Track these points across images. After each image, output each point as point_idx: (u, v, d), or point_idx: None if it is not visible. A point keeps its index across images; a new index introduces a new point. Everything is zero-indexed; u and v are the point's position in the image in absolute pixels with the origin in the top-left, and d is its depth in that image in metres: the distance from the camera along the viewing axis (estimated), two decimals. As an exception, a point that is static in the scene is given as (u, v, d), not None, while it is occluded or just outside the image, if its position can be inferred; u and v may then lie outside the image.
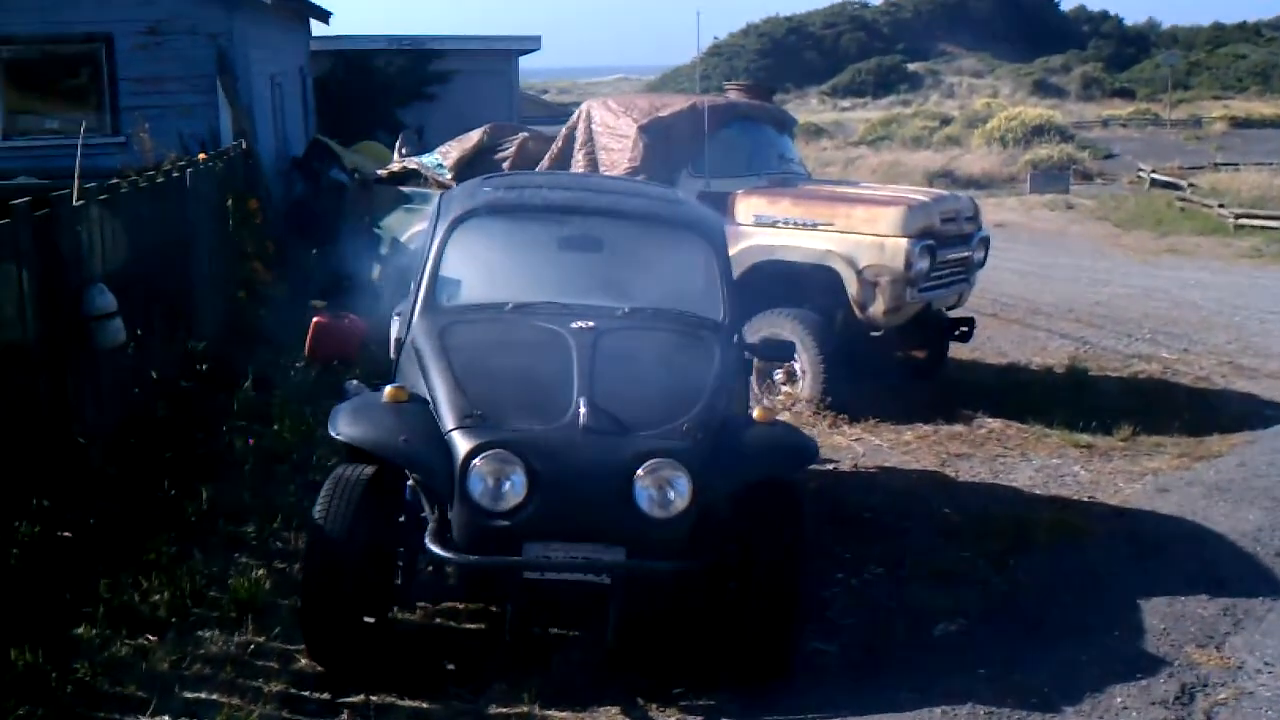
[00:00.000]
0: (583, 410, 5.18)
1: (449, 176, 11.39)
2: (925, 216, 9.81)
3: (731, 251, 10.09)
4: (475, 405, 5.23)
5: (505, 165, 11.33)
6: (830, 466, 8.58)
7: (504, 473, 5.03)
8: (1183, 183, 30.15)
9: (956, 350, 11.52)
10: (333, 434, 5.30)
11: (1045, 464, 8.87)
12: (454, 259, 6.29)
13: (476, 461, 5.03)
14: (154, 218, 8.54)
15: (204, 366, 8.76)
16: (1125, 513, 7.85)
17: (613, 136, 10.55)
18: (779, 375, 9.97)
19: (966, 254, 10.48)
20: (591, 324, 5.84)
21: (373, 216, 11.66)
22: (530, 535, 5.04)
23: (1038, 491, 8.26)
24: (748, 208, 10.16)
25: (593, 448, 5.10)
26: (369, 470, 5.31)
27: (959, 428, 9.64)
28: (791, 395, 9.75)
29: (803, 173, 11.50)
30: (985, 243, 10.83)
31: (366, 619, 5.39)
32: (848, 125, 44.58)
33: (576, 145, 10.76)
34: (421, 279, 6.23)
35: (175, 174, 8.91)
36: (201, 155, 10.22)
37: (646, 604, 5.30)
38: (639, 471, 5.04)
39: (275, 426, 8.25)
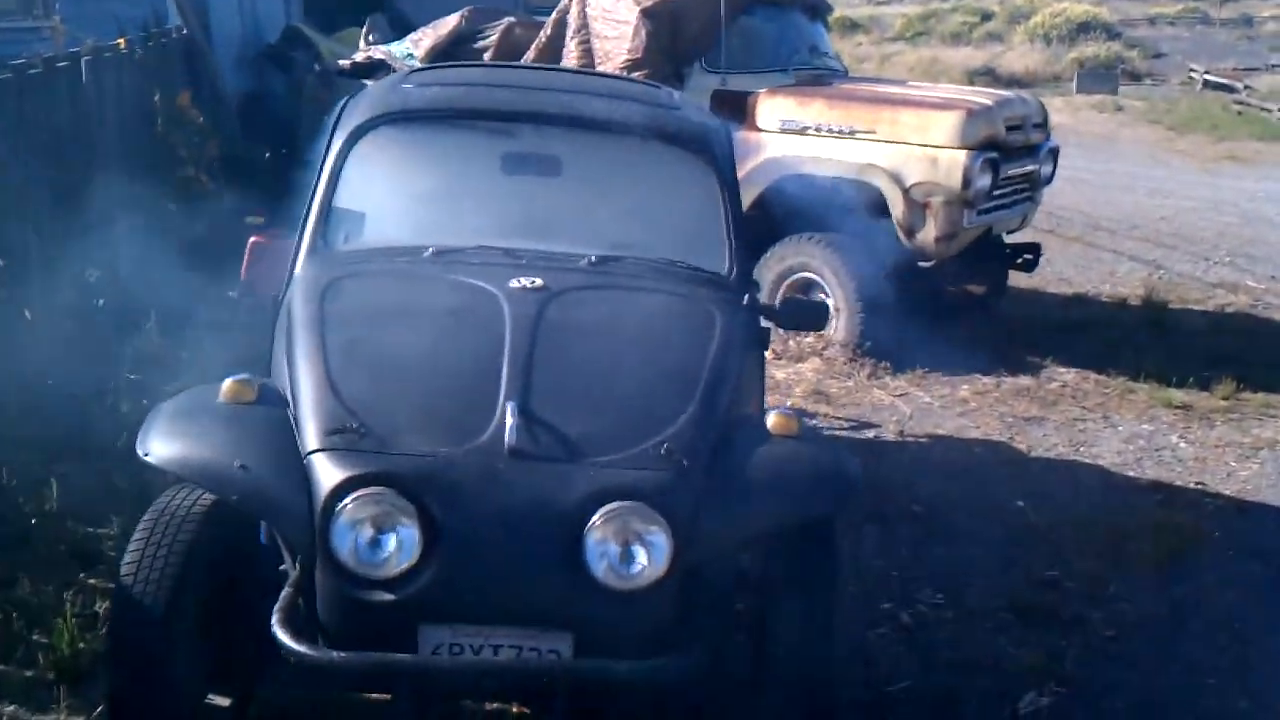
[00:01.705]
0: (511, 422, 3.37)
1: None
2: (988, 123, 7.88)
3: (751, 164, 8.32)
4: (351, 413, 3.43)
5: (486, 56, 9.40)
6: (870, 434, 6.78)
7: (388, 521, 3.25)
8: (1238, 84, 27.84)
9: (1014, 279, 9.60)
10: (140, 454, 3.50)
11: (1135, 432, 7.02)
12: (356, 184, 4.43)
13: (347, 503, 3.24)
14: (39, 118, 6.70)
15: (100, 301, 6.95)
16: (1247, 509, 6.03)
17: (609, 23, 8.61)
18: (807, 313, 8.10)
19: (1033, 168, 8.56)
20: (539, 283, 4.01)
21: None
22: (429, 615, 3.28)
23: (1130, 473, 6.44)
24: (772, 110, 8.23)
25: (524, 483, 3.30)
26: (206, 499, 3.54)
27: (1025, 380, 7.79)
28: (823, 338, 7.92)
29: (839, 68, 9.53)
30: (1054, 155, 8.91)
31: (217, 700, 3.68)
32: (883, 20, 41.87)
33: (569, 33, 8.83)
34: (309, 213, 4.39)
35: (64, 64, 7.03)
36: (121, 42, 8.31)
37: (610, 701, 3.53)
38: (594, 520, 3.26)
39: (178, 383, 6.45)
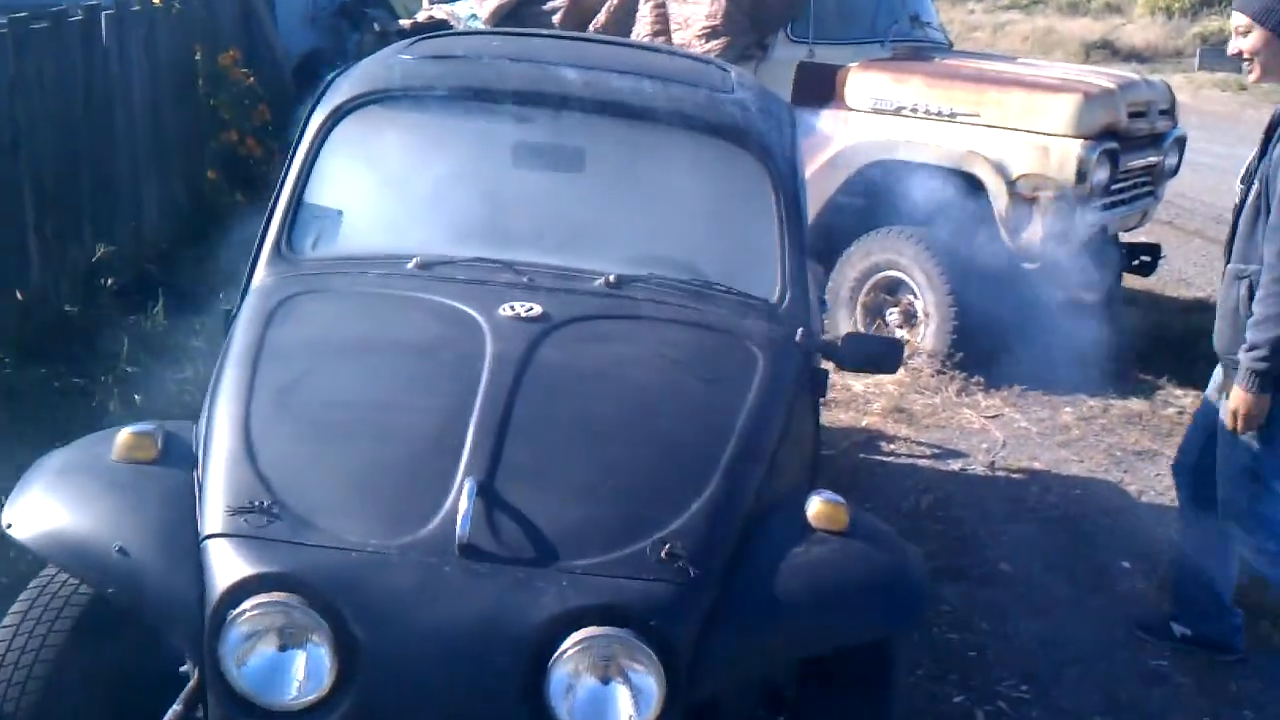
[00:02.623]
0: (466, 508, 2.55)
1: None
2: (1108, 109, 6.86)
3: (837, 148, 7.36)
4: (265, 485, 2.64)
5: (555, 20, 8.53)
6: (955, 466, 5.86)
7: (293, 637, 2.46)
8: (1375, 63, 25.99)
9: (1127, 281, 8.55)
10: (3, 525, 2.73)
11: (1264, 473, 6.01)
12: (333, 175, 3.63)
13: (243, 610, 2.45)
14: (46, 80, 5.99)
15: (108, 281, 6.24)
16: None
17: (688, -15, 7.70)
18: (893, 316, 7.20)
19: (1156, 160, 7.52)
20: (536, 310, 3.18)
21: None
22: (342, 761, 2.48)
23: (1260, 527, 5.44)
24: (863, 87, 7.28)
25: (475, 592, 2.49)
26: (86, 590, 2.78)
27: (1137, 404, 6.79)
28: (910, 345, 7.00)
29: (942, 41, 8.52)
30: (1180, 144, 7.85)
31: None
32: (998, -12, 40.26)
33: (644, -2, 7.94)
34: (274, 208, 3.59)
35: (77, 19, 6.30)
36: (158, -2, 7.58)
37: None
38: (564, 648, 2.44)
39: (187, 373, 5.74)
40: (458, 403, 2.83)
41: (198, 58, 8.06)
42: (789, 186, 3.62)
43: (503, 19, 8.62)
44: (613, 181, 3.71)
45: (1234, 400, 3.76)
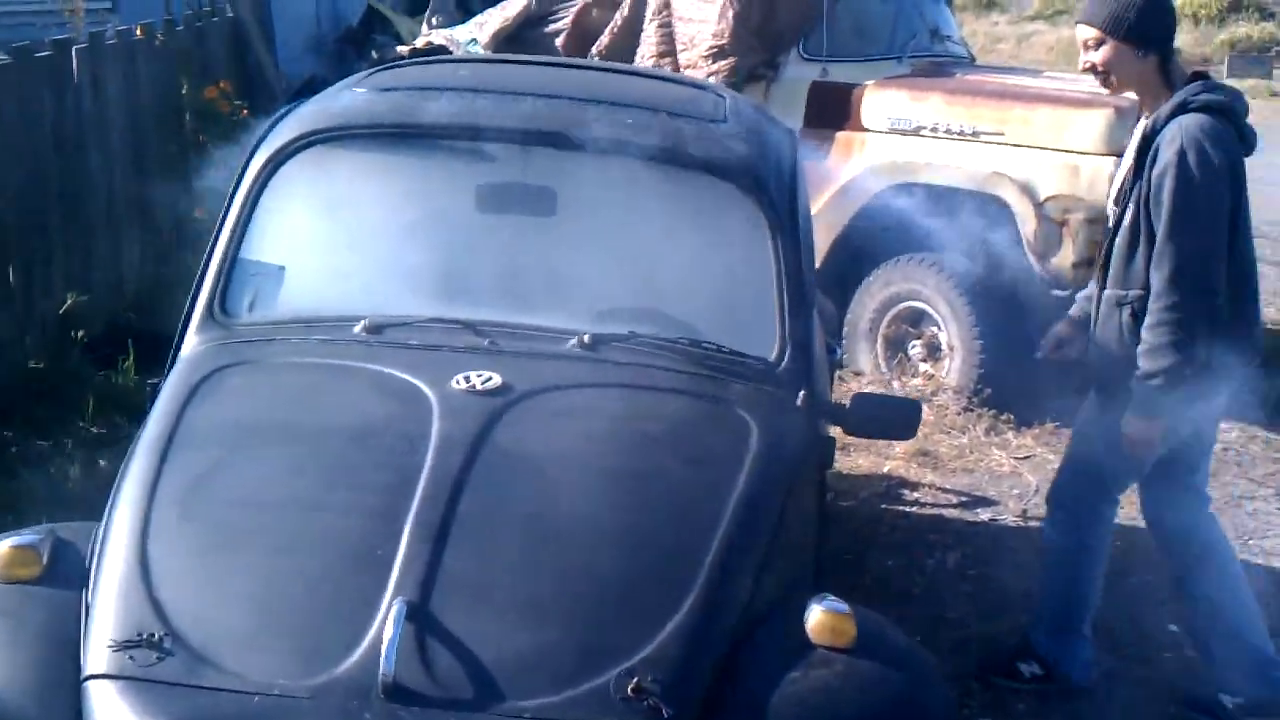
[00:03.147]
0: (391, 636, 2.11)
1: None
2: (1141, 124, 6.38)
3: (853, 171, 6.90)
4: (159, 611, 2.22)
5: (559, 42, 8.13)
6: (984, 515, 5.40)
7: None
8: (1407, 67, 25.41)
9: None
10: None
11: (1322, 517, 5.53)
12: (274, 226, 3.23)
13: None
14: (16, 118, 5.62)
15: (79, 334, 5.85)
16: None
17: (693, 2, 7.27)
18: (916, 349, 6.74)
19: (1194, 176, 7.02)
20: (494, 381, 2.77)
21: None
22: None
23: (1322, 581, 4.96)
24: (880, 106, 6.82)
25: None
26: None
27: (1179, 440, 6.29)
28: (933, 380, 6.54)
29: (964, 54, 8.06)
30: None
31: None
32: (1021, -2, 39.69)
33: (649, 14, 7.51)
34: (206, 265, 3.18)
35: (45, 54, 5.92)
36: (139, 29, 7.19)
37: None
38: None
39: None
40: (392, 502, 2.40)
41: (184, 91, 7.67)
42: (787, 226, 3.18)
43: (503, 43, 8.23)
44: (588, 226, 3.28)
45: (1130, 428, 3.60)
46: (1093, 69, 3.60)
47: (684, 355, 3.01)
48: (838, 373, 6.93)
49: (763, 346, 3.07)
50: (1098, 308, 3.76)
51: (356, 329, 3.01)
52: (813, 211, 6.93)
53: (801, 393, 3.01)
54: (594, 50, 7.67)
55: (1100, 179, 6.19)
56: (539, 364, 2.89)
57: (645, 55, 7.46)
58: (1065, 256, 6.32)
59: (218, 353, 2.98)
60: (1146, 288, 3.51)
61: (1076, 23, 3.68)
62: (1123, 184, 3.64)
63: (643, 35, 7.52)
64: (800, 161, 3.66)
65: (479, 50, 8.31)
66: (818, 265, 7.05)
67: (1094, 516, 4.03)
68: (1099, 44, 3.55)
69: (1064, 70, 9.76)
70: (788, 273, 3.12)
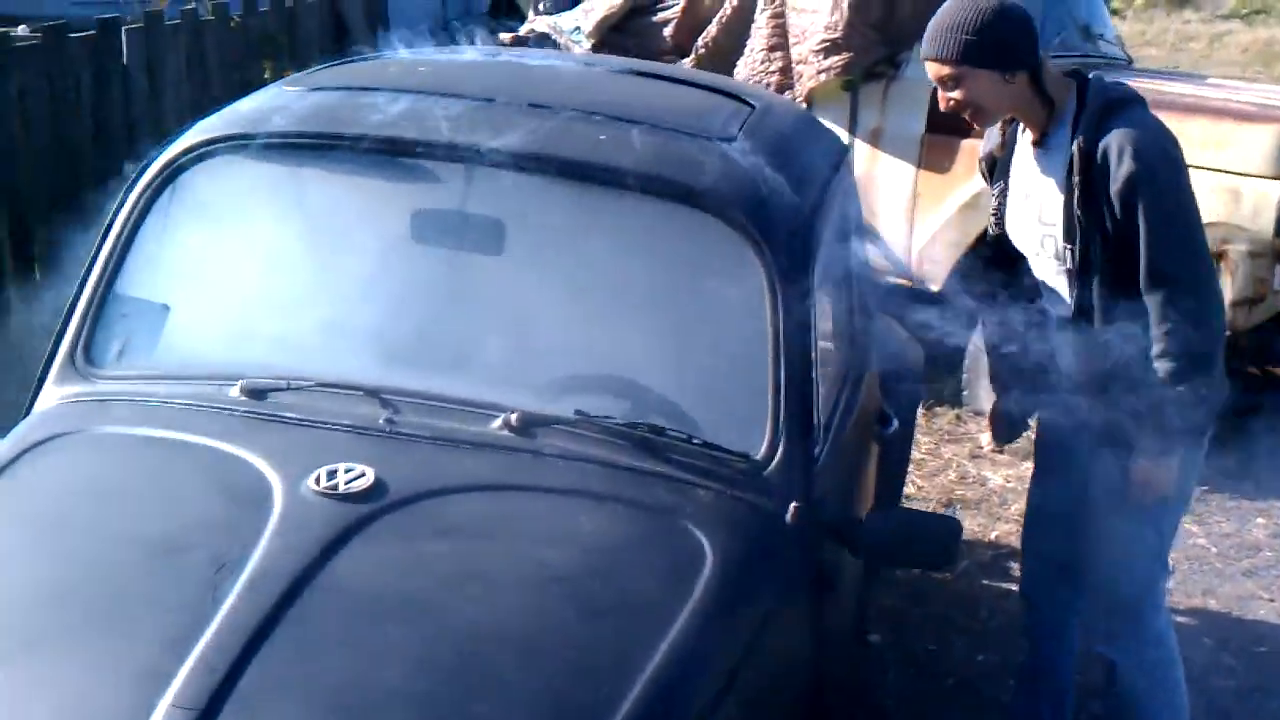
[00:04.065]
0: None
1: (587, 46, 7.56)
2: (1318, 142, 5.40)
3: (978, 186, 6.08)
4: None
5: (667, 32, 7.42)
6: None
7: None
8: None
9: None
10: None
11: None
12: (161, 255, 2.59)
13: None
14: (41, 107, 5.16)
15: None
16: None
17: (809, -9, 6.48)
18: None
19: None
20: (362, 480, 2.10)
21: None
22: None
23: None
24: (1012, 113, 5.92)
25: None
26: None
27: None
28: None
29: (1119, 56, 7.07)
30: None
31: None
32: (1220, -6, 37.44)
33: (761, 2, 6.74)
34: (74, 302, 2.55)
35: (87, 34, 5.44)
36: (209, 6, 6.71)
37: None
38: None
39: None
40: (160, 658, 1.73)
41: (266, 78, 7.16)
42: (794, 275, 2.42)
43: (608, 31, 7.57)
44: (540, 268, 2.55)
45: (1142, 474, 3.09)
46: (958, 107, 3.03)
47: (641, 447, 2.28)
48: (959, 411, 6.11)
49: (748, 438, 2.32)
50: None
51: (233, 391, 2.35)
52: (937, 226, 6.24)
53: (793, 505, 2.24)
54: (700, 42, 6.95)
55: (1267, 205, 5.26)
56: (439, 455, 2.20)
57: (755, 48, 6.70)
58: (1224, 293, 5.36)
59: (61, 415, 2.37)
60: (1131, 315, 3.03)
61: (923, 59, 3.06)
62: (1070, 218, 3.04)
63: (754, 26, 6.76)
64: (845, 190, 2.89)
65: (582, 38, 7.66)
66: (936, 287, 6.32)
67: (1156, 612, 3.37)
68: (956, 81, 2.99)
69: (1261, 73, 8.65)
70: (789, 339, 2.35)
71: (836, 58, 6.28)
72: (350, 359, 2.45)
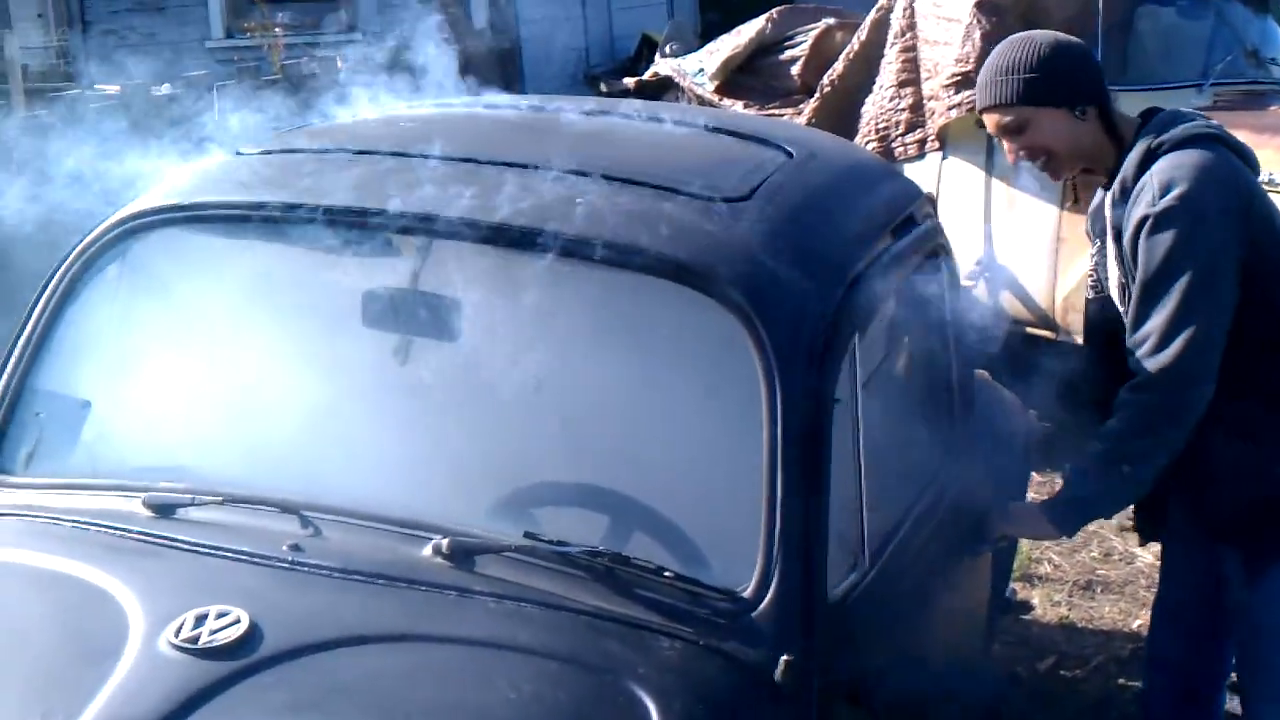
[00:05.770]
0: None
1: (710, 89, 7.14)
2: None
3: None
4: None
5: (795, 70, 6.96)
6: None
7: None
8: None
9: None
10: None
11: None
12: (86, 341, 2.24)
13: None
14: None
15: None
16: None
17: (939, 22, 5.97)
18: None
19: None
20: (231, 630, 1.70)
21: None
22: None
23: None
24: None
25: None
26: None
27: None
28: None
29: (1296, 84, 6.34)
30: None
31: None
32: None
33: (890, 37, 6.25)
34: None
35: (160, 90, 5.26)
36: (339, 60, 6.54)
37: None
38: None
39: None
40: None
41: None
42: (802, 370, 1.92)
43: (733, 72, 7.15)
44: (499, 358, 2.11)
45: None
46: (1029, 156, 2.59)
47: (601, 580, 1.82)
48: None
49: (734, 571, 1.84)
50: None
51: (137, 504, 1.99)
52: (1083, 272, 5.62)
53: (784, 659, 1.76)
54: (825, 80, 6.49)
55: None
56: (341, 594, 1.79)
57: (884, 84, 6.22)
58: None
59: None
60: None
61: (980, 111, 2.66)
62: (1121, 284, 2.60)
63: (883, 61, 6.26)
64: (913, 255, 2.40)
65: (705, 80, 7.25)
66: (1080, 340, 5.67)
67: None
68: (1022, 127, 2.56)
69: None
70: (790, 450, 1.86)
71: (969, 92, 5.71)
72: (275, 465, 2.07)
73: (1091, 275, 2.80)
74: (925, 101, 5.99)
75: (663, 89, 7.64)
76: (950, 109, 5.79)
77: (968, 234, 5.95)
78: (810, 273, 2.07)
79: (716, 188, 2.21)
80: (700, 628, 1.80)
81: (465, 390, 2.10)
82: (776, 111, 6.79)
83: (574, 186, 2.15)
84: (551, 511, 1.94)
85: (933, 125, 5.96)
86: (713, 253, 2.00)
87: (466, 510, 1.95)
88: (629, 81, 8.26)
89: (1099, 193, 2.78)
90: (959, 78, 5.74)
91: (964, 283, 6.13)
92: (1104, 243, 2.69)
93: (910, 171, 6.14)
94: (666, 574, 1.84)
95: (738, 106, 7.02)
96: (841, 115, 6.34)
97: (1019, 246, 5.81)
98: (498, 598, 1.81)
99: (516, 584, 1.83)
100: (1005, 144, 2.62)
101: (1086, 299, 2.97)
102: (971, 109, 5.78)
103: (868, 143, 6.16)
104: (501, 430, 2.04)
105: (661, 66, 7.83)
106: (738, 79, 7.08)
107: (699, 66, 7.41)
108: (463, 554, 1.85)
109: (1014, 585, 4.40)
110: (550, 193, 2.13)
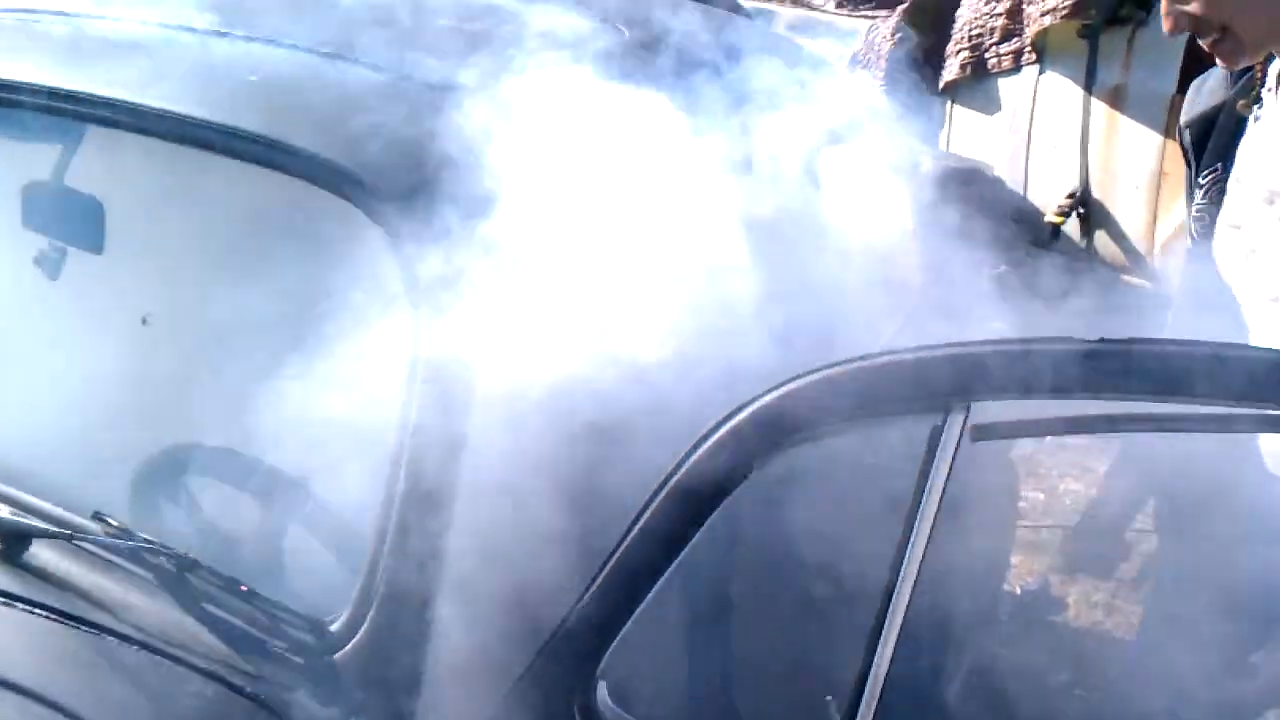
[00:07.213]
0: None
1: None
2: None
3: None
4: None
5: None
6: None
7: None
8: None
9: None
10: None
11: None
12: None
13: None
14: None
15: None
16: None
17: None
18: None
19: None
20: None
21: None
22: None
23: None
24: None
25: None
26: None
27: None
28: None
29: None
30: None
31: None
32: None
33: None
34: None
35: None
36: None
37: None
38: None
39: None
40: None
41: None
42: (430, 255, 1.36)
43: None
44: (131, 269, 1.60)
45: None
46: (1185, 28, 1.80)
47: (170, 584, 1.32)
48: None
49: (330, 595, 1.32)
50: None
51: None
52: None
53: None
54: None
55: None
56: None
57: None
58: None
59: None
60: None
61: None
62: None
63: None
64: None
65: None
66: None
67: None
68: None
69: None
70: (418, 394, 1.32)
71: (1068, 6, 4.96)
72: None
73: (1197, 214, 2.03)
74: (1022, 5, 5.22)
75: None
76: (1046, 13, 5.01)
77: (1063, 164, 5.20)
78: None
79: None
80: (280, 666, 1.28)
81: (99, 311, 1.60)
82: (869, 13, 6.08)
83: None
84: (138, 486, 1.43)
85: (1029, 32, 5.19)
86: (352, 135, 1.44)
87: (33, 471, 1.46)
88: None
89: (1209, 89, 2.03)
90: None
91: (1054, 219, 5.39)
92: (1224, 169, 1.93)
93: (1004, 88, 5.39)
94: (242, 587, 1.32)
95: (829, 5, 6.32)
96: (936, 19, 5.60)
97: (1116, 179, 5.05)
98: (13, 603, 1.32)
99: (57, 577, 1.35)
100: (1166, 25, 1.86)
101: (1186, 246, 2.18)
102: (1071, 14, 5.02)
103: (959, 51, 5.42)
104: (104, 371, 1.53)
105: None
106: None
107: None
108: (-5, 536, 1.37)
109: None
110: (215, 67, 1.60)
